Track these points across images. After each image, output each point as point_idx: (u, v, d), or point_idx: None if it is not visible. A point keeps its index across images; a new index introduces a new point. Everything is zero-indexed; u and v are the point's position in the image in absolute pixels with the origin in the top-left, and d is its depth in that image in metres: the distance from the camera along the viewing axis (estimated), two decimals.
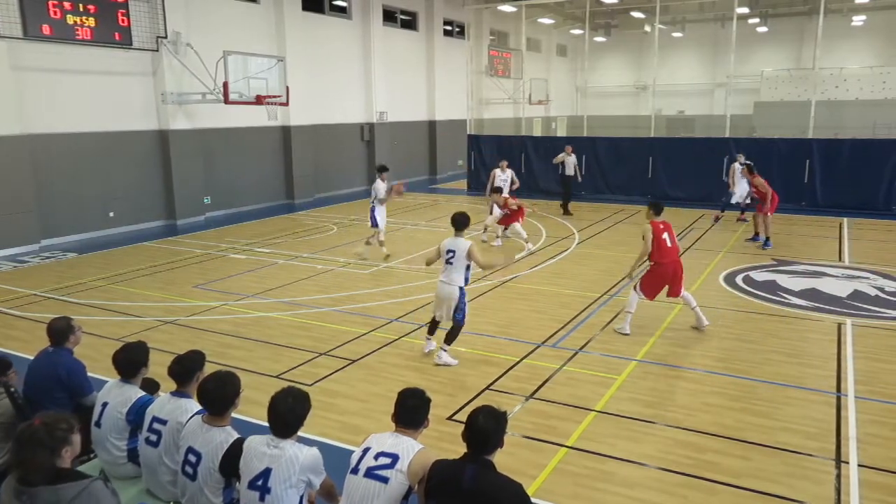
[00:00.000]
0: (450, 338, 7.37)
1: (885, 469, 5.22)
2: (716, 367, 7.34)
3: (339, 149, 21.99)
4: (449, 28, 27.63)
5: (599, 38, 38.46)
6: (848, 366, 7.25)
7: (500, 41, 31.61)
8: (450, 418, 6.06)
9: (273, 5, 18.66)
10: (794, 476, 5.15)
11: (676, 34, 37.48)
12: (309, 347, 7.94)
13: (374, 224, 12.17)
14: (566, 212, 17.23)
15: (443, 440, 5.48)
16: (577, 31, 37.70)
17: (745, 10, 30.30)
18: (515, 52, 29.36)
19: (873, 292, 10.00)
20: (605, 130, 23.94)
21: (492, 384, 6.86)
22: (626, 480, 5.15)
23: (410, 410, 3.60)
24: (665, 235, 8.15)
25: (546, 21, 34.13)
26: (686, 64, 38.02)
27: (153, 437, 3.94)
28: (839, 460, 5.34)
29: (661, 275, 8.23)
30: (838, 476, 5.12)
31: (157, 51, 15.29)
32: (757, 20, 33.65)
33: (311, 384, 6.83)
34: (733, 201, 15.37)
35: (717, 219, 15.62)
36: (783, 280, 10.70)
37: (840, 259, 12.24)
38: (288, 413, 3.45)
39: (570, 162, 17.07)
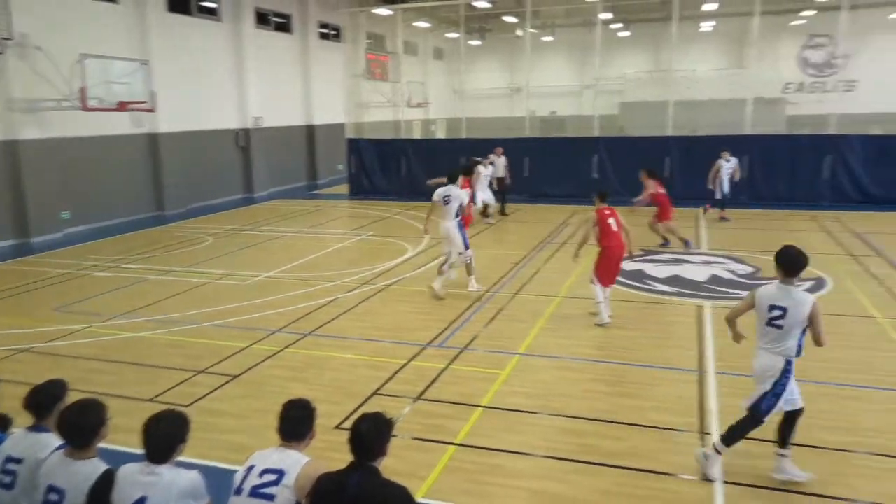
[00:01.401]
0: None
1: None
2: (593, 356, 7.74)
3: (213, 156, 21.09)
4: (325, 31, 27.28)
5: (474, 42, 39.37)
6: (708, 345, 7.86)
7: (377, 44, 31.59)
8: (337, 427, 5.99)
9: (134, 6, 17.60)
10: (665, 451, 5.53)
11: (547, 38, 39.07)
12: (185, 366, 7.56)
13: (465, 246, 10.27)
14: (503, 213, 17.31)
15: (331, 450, 5.39)
16: (452, 35, 38.38)
17: (608, 15, 32.07)
18: (393, 56, 29.45)
19: (727, 276, 10.90)
20: (482, 132, 24.52)
21: (379, 389, 6.85)
22: (514, 472, 5.31)
23: (294, 422, 3.51)
24: (611, 220, 8.66)
25: (422, 25, 34.51)
26: (557, 66, 39.68)
27: (7, 479, 3.59)
28: (703, 432, 5.79)
29: (609, 258, 8.69)
30: (703, 446, 5.54)
31: (2, 53, 14.00)
32: (619, 25, 35.74)
33: (189, 404, 6.52)
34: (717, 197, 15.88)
35: (705, 210, 16.32)
36: (649, 269, 11.44)
37: (698, 246, 13.24)
38: (162, 437, 3.27)
39: (500, 163, 17.04)
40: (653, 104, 25.63)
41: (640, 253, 10.13)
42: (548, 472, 5.31)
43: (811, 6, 29.87)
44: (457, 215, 10.03)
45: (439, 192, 10.17)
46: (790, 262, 4.84)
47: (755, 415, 4.92)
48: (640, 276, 11.03)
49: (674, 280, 10.74)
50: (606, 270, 8.75)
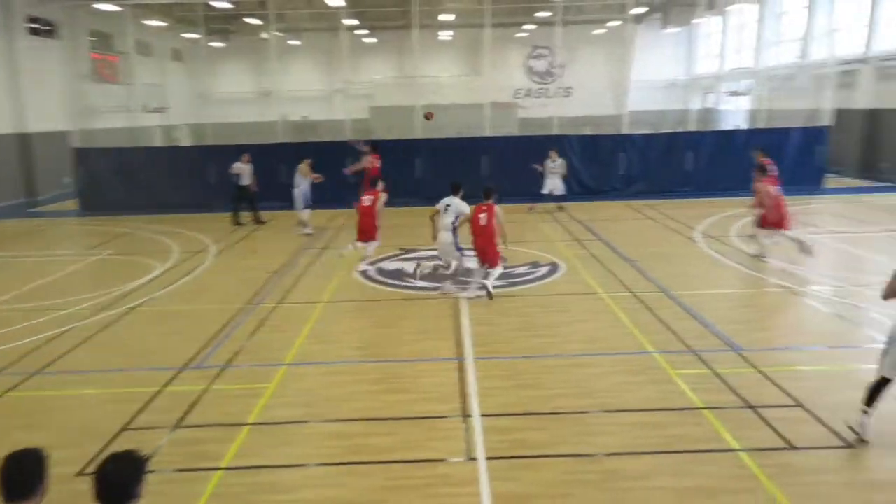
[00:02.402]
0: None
1: (500, 413, 6.19)
2: (359, 357, 7.81)
3: None
4: (36, 26, 23.87)
5: (217, 44, 37.42)
6: (465, 334, 8.38)
7: (103, 43, 28.46)
8: (80, 474, 5.28)
9: None
10: (434, 439, 5.78)
11: (294, 42, 38.54)
12: None
13: None
14: (258, 221, 16.54)
15: (75, 502, 4.74)
16: (191, 35, 36.06)
17: (353, 21, 32.61)
18: (123, 56, 26.78)
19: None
20: (230, 137, 23.40)
21: (129, 423, 6.18)
22: (289, 486, 5.14)
23: (20, 477, 3.00)
24: (482, 215, 9.82)
25: (156, 24, 31.87)
26: (306, 70, 39.35)
27: None
28: (465, 415, 6.16)
29: (475, 246, 9.94)
30: (466, 430, 5.90)
31: None
32: (366, 32, 36.56)
33: None
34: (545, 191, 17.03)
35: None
36: (408, 266, 11.88)
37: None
38: None
39: (246, 171, 16.24)
40: (401, 108, 26.65)
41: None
42: (323, 479, 5.24)
43: (532, 21, 33.40)
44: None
45: (442, 201, 10.57)
46: None
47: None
48: (398, 274, 11.40)
49: (431, 276, 11.27)
50: (480, 254, 10.01)
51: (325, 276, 11.27)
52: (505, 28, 32.66)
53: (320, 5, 29.73)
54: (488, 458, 5.41)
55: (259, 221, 16.68)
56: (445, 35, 37.41)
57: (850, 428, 5.49)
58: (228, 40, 37.54)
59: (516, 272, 11.33)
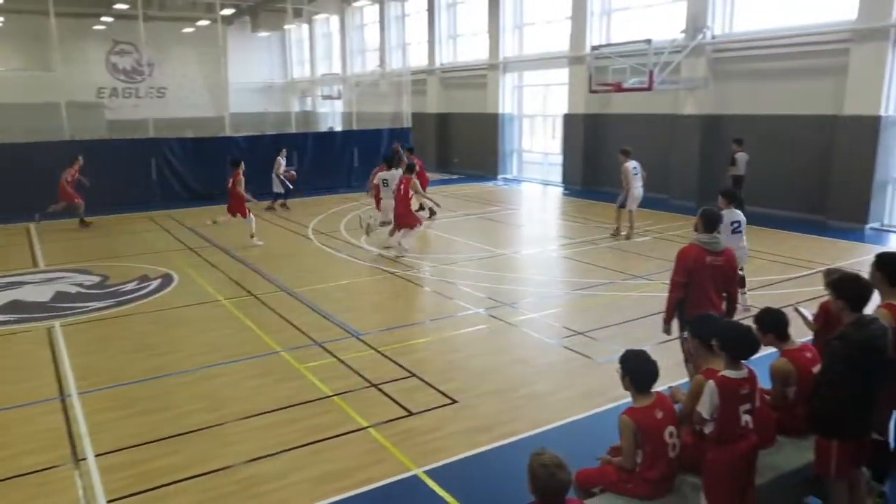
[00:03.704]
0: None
1: (120, 448, 5.50)
2: None
3: None
4: None
5: None
6: (65, 367, 7.25)
7: None
8: None
9: None
10: (43, 495, 4.87)
11: None
12: None
13: None
14: None
15: None
16: None
17: None
18: None
19: (74, 290, 10.26)
20: None
21: None
22: None
23: None
24: (402, 187, 12.16)
25: None
26: None
27: None
28: (78, 460, 5.33)
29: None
30: (81, 476, 5.11)
31: None
32: None
33: None
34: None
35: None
36: None
37: (35, 265, 12.02)
38: None
39: None
40: None
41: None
42: None
43: (110, 13, 30.24)
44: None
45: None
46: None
47: None
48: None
49: (13, 306, 9.45)
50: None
51: None
52: (78, 18, 28.92)
53: None
54: (111, 502, 4.78)
55: None
56: None
57: None
58: None
59: (123, 289, 10.24)
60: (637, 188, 13.19)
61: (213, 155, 19.69)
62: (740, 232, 8.38)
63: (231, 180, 13.34)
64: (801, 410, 4.17)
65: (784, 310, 4.46)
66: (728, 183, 13.79)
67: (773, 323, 4.29)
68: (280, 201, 17.83)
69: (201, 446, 5.54)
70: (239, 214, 13.30)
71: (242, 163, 13.59)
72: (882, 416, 4.40)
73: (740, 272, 8.12)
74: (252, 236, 13.16)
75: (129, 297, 9.91)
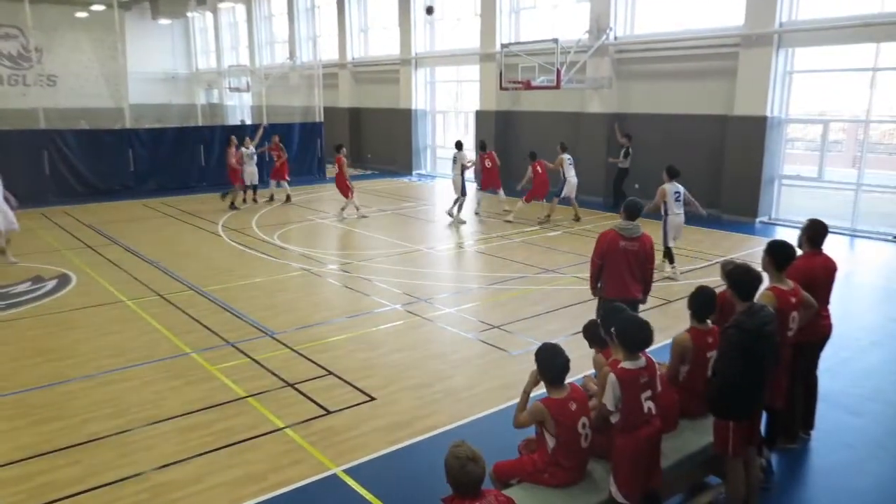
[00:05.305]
0: None
1: (15, 461, 5.17)
2: None
3: None
4: None
5: None
6: None
7: None
8: None
9: None
10: None
11: None
12: None
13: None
14: None
15: None
16: None
17: None
18: None
19: None
20: None
21: None
22: None
23: None
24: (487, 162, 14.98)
25: None
26: None
27: None
28: None
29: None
30: None
31: None
32: None
33: None
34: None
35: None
36: None
37: None
38: None
39: None
40: None
41: None
42: None
43: None
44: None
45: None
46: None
47: None
48: None
49: None
50: None
51: None
52: None
53: None
54: None
55: None
56: None
57: None
58: None
59: (14, 291, 9.57)
60: (572, 177, 14.74)
61: (113, 148, 18.69)
62: (680, 202, 10.36)
63: (335, 165, 15.24)
64: (700, 392, 4.44)
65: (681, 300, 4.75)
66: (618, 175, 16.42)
67: (697, 303, 4.56)
68: (260, 191, 17.75)
69: (104, 455, 5.28)
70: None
71: (344, 147, 15.83)
72: (775, 389, 4.73)
73: (672, 246, 10.32)
74: (358, 208, 15.38)
75: (21, 299, 9.28)
